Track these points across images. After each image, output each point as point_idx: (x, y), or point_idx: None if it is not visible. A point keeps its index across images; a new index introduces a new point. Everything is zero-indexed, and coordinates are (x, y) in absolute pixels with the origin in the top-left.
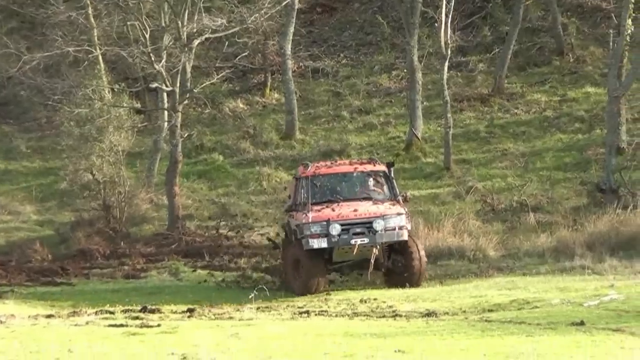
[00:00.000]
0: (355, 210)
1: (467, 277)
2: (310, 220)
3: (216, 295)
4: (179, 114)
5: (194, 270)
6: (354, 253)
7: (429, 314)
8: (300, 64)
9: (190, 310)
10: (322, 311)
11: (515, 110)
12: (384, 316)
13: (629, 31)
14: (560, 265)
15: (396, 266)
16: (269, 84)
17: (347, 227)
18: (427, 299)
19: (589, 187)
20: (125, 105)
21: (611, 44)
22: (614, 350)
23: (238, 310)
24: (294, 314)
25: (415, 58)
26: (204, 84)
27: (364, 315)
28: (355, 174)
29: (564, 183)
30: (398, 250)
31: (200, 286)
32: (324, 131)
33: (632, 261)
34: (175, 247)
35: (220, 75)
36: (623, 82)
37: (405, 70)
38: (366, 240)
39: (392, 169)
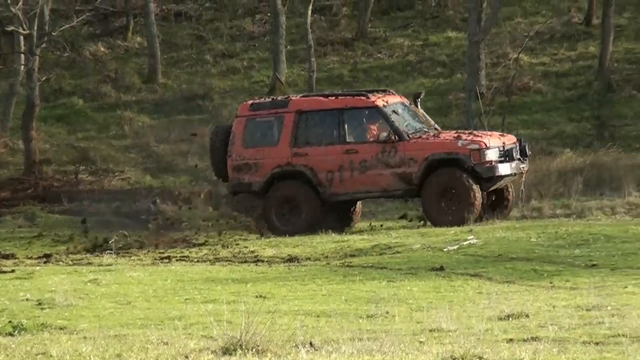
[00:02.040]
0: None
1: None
2: (490, 144)
3: (75, 240)
4: (36, 58)
5: (51, 215)
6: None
7: (290, 260)
8: (163, 7)
9: (47, 256)
10: (183, 257)
11: (379, 55)
12: (245, 261)
13: None
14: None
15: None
16: (131, 27)
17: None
18: (289, 245)
19: None
20: None
21: None
22: (471, 295)
23: (97, 255)
24: (155, 259)
25: (279, 1)
26: (63, 27)
27: (226, 261)
28: None
29: None
30: None
31: (59, 231)
32: (187, 75)
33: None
34: (32, 192)
35: (80, 18)
36: (482, 27)
37: (269, 14)
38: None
39: (419, 99)
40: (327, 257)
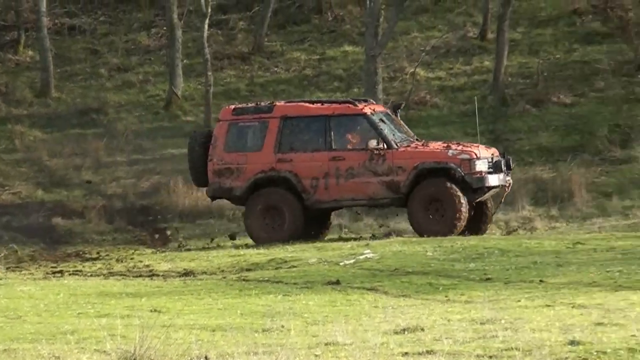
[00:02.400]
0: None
1: (226, 236)
2: (480, 155)
3: None
4: None
5: None
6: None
7: (186, 274)
8: (57, 20)
9: None
10: (76, 271)
11: (276, 69)
12: (140, 276)
13: None
14: None
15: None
16: (22, 41)
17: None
18: (185, 259)
19: None
20: None
21: (368, 2)
22: (367, 309)
23: None
24: (47, 273)
25: (175, 15)
26: None
27: (120, 275)
28: None
29: None
30: None
31: None
32: (81, 89)
33: (386, 220)
34: None
35: None
36: (379, 41)
37: (165, 28)
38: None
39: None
40: (223, 271)
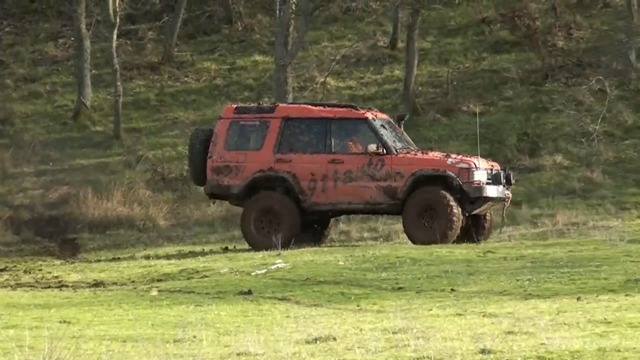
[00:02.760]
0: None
1: (137, 246)
2: (479, 165)
3: None
4: None
5: None
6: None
7: (96, 284)
8: None
9: None
10: None
11: (186, 79)
12: (49, 287)
13: (295, 0)
14: (230, 234)
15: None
16: None
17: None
18: (95, 269)
19: None
20: None
21: (277, 12)
22: (279, 319)
23: None
24: None
25: (83, 26)
26: None
27: (28, 286)
28: None
29: None
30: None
31: None
32: None
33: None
34: None
35: None
36: (289, 51)
37: (72, 38)
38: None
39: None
40: (133, 281)
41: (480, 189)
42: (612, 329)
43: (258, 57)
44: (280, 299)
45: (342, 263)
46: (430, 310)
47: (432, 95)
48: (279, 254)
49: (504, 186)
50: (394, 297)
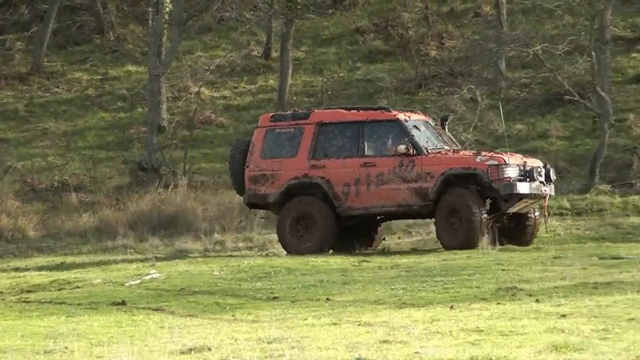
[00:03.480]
0: (525, 157)
1: (5, 258)
2: (509, 162)
3: None
4: None
5: None
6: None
7: None
8: None
9: None
10: None
11: (56, 89)
12: None
13: (167, 9)
14: (103, 245)
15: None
16: None
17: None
18: None
19: (131, 166)
20: None
21: (150, 22)
22: (153, 329)
23: None
24: None
25: None
26: None
27: None
28: None
29: (106, 162)
30: None
31: None
32: None
33: (172, 240)
34: None
35: None
36: (163, 60)
37: None
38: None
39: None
40: (1, 293)
41: (510, 185)
42: (484, 337)
43: (131, 67)
44: (154, 310)
45: (217, 273)
46: (306, 319)
47: (307, 105)
48: (152, 265)
49: (542, 183)
50: (269, 307)
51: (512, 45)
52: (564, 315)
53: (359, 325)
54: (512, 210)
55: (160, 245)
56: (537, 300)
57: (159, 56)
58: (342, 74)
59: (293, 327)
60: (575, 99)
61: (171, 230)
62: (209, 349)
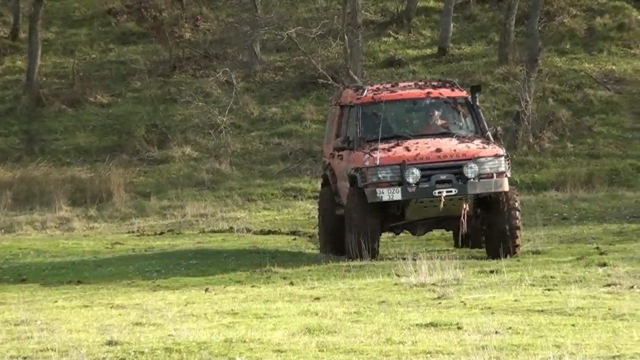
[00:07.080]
0: (438, 150)
1: None
2: (377, 162)
3: None
4: None
5: None
6: (439, 208)
7: None
8: None
9: None
10: None
11: None
12: None
13: None
14: None
15: (490, 228)
16: None
17: (429, 172)
18: None
19: None
20: None
21: None
22: None
23: None
24: None
25: None
26: None
27: None
28: (428, 102)
29: None
30: (489, 206)
31: None
32: None
33: None
34: None
35: None
36: None
37: None
38: (455, 190)
39: (477, 95)
40: None
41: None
42: (238, 319)
43: None
44: None
45: None
46: (56, 302)
47: (57, 86)
48: None
49: None
50: (17, 289)
51: (266, 28)
52: (317, 298)
53: (111, 307)
54: None
55: None
56: (292, 283)
57: None
58: (94, 56)
59: (42, 309)
60: (329, 82)
61: None
62: None
